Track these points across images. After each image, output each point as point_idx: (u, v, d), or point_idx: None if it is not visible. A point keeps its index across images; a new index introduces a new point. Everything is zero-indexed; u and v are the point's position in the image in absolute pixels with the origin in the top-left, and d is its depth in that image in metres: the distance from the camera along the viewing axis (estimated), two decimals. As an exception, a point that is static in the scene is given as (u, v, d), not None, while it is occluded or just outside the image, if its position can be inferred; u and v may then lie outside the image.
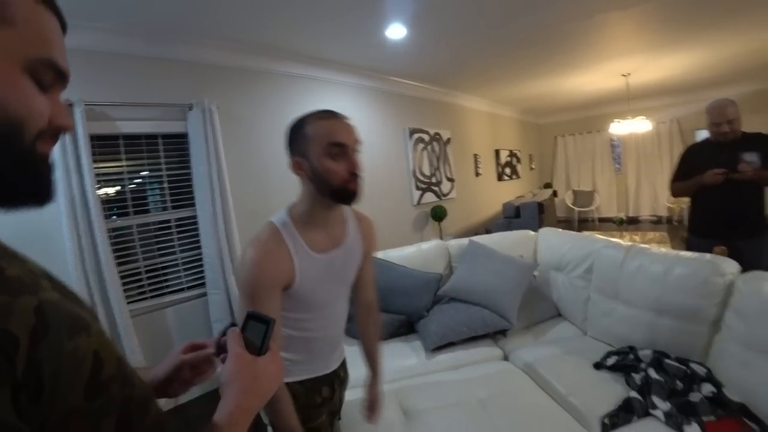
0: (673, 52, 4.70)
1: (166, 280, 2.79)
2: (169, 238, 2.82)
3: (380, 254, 2.70)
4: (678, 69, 5.56)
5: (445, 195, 5.62)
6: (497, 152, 7.47)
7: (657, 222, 8.07)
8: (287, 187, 2.86)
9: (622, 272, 2.01)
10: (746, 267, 1.68)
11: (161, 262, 2.77)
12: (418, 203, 5.10)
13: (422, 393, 1.81)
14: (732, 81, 6.71)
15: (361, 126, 4.26)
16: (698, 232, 2.57)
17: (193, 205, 2.86)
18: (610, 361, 1.81)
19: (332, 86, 4.00)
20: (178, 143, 2.86)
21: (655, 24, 3.68)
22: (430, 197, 5.30)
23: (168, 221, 2.83)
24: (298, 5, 2.55)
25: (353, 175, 0.99)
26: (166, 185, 2.83)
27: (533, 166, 9.45)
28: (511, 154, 8.07)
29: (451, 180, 5.78)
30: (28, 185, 0.41)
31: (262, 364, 0.57)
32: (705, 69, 5.67)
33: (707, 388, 1.46)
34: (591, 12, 3.21)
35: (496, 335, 2.27)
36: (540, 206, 5.73)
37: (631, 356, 1.78)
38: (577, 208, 8.85)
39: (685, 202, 7.17)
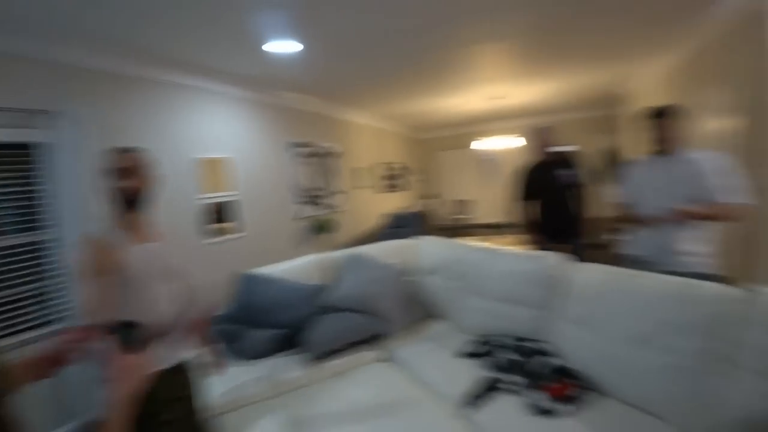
0: (535, 82, 5.55)
1: (18, 315, 2.38)
2: (23, 265, 2.40)
3: (262, 269, 2.66)
4: (539, 95, 6.53)
5: (332, 208, 5.73)
6: (384, 165, 7.87)
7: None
8: (168, 201, 2.64)
9: (483, 271, 2.36)
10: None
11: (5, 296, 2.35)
12: (305, 216, 5.11)
13: (308, 403, 1.86)
14: (578, 107, 8.06)
15: (249, 137, 4.06)
16: (534, 234, 3.12)
17: (47, 227, 2.48)
18: (476, 348, 2.07)
19: (216, 97, 3.89)
20: (23, 155, 2.44)
21: (519, 57, 4.32)
22: (316, 210, 5.38)
23: (12, 247, 2.38)
24: (181, 9, 2.38)
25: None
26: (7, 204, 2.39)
27: (418, 178, 10.08)
28: (398, 167, 8.57)
29: (338, 193, 5.93)
30: None
31: (130, 360, 0.73)
32: (558, 96, 6.78)
33: (551, 361, 1.78)
34: (467, 42, 3.61)
35: (378, 338, 2.38)
36: (421, 215, 6.22)
37: (493, 342, 2.07)
38: (457, 216, 9.68)
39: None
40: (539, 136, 3.03)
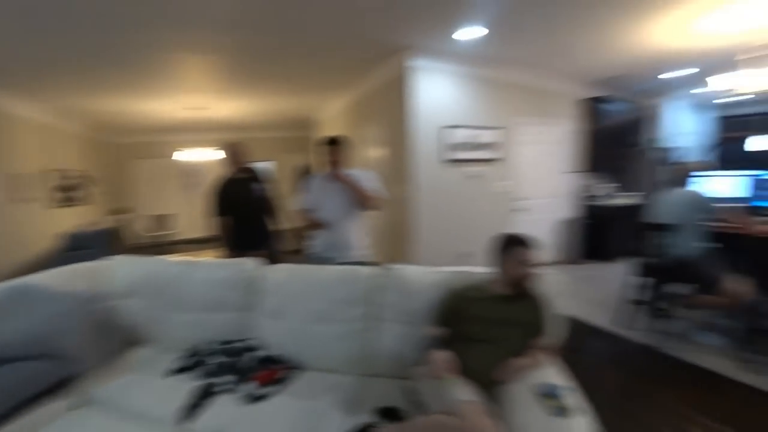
0: (238, 98, 5.73)
1: None
2: None
3: None
4: (241, 111, 6.74)
5: None
6: (59, 173, 6.30)
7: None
8: None
9: (182, 284, 2.34)
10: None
11: None
12: None
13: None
14: (278, 126, 8.73)
15: None
16: (231, 246, 3.26)
17: None
18: (185, 362, 2.03)
19: None
20: None
21: (222, 72, 4.45)
22: None
23: None
24: None
25: None
26: None
27: (106, 190, 8.40)
28: (77, 175, 7.00)
29: None
30: None
31: None
32: (260, 114, 7.22)
33: (257, 353, 2.01)
34: (168, 48, 3.50)
35: (68, 384, 1.94)
36: (111, 233, 5.56)
37: (202, 352, 2.09)
38: (156, 233, 8.73)
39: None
40: (233, 151, 3.28)
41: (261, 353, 2.01)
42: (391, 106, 4.57)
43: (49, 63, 3.77)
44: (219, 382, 1.84)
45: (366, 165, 4.96)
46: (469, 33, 3.54)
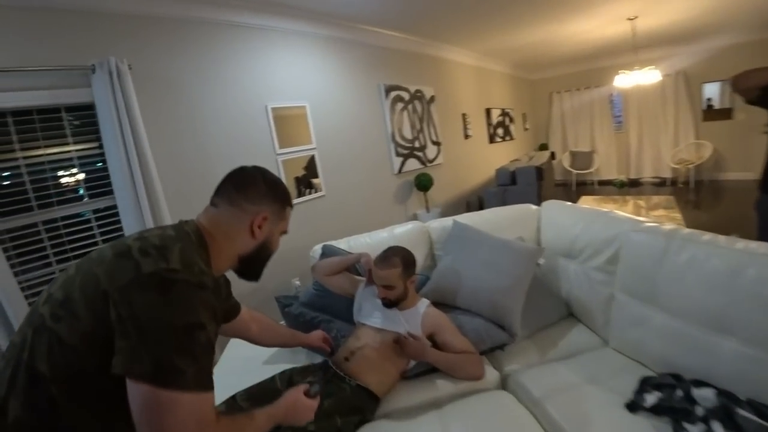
0: None
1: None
2: (89, 234, 2.26)
3: (343, 243, 2.11)
4: (683, 13, 4.93)
5: (430, 161, 5.03)
6: (488, 111, 6.78)
7: (660, 184, 7.56)
8: (228, 162, 2.49)
9: (662, 268, 1.45)
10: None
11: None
12: (400, 171, 4.54)
13: None
14: (735, 29, 6.01)
15: (329, 83, 3.78)
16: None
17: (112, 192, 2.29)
18: (650, 399, 1.28)
19: (289, 36, 3.34)
20: (86, 116, 2.24)
21: None
22: (413, 164, 4.74)
23: (81, 215, 2.25)
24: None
25: None
26: (77, 170, 2.24)
27: (527, 126, 8.72)
28: (504, 113, 7.37)
29: (436, 144, 5.19)
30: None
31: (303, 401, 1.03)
32: (709, 13, 5.07)
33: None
34: None
35: (493, 350, 1.72)
36: (538, 171, 5.08)
37: (680, 392, 1.27)
38: (575, 171, 8.28)
39: (692, 161, 6.94)
40: (739, 79, 1.92)
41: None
42: None
43: (472, 13, 3.99)
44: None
45: None
46: None
